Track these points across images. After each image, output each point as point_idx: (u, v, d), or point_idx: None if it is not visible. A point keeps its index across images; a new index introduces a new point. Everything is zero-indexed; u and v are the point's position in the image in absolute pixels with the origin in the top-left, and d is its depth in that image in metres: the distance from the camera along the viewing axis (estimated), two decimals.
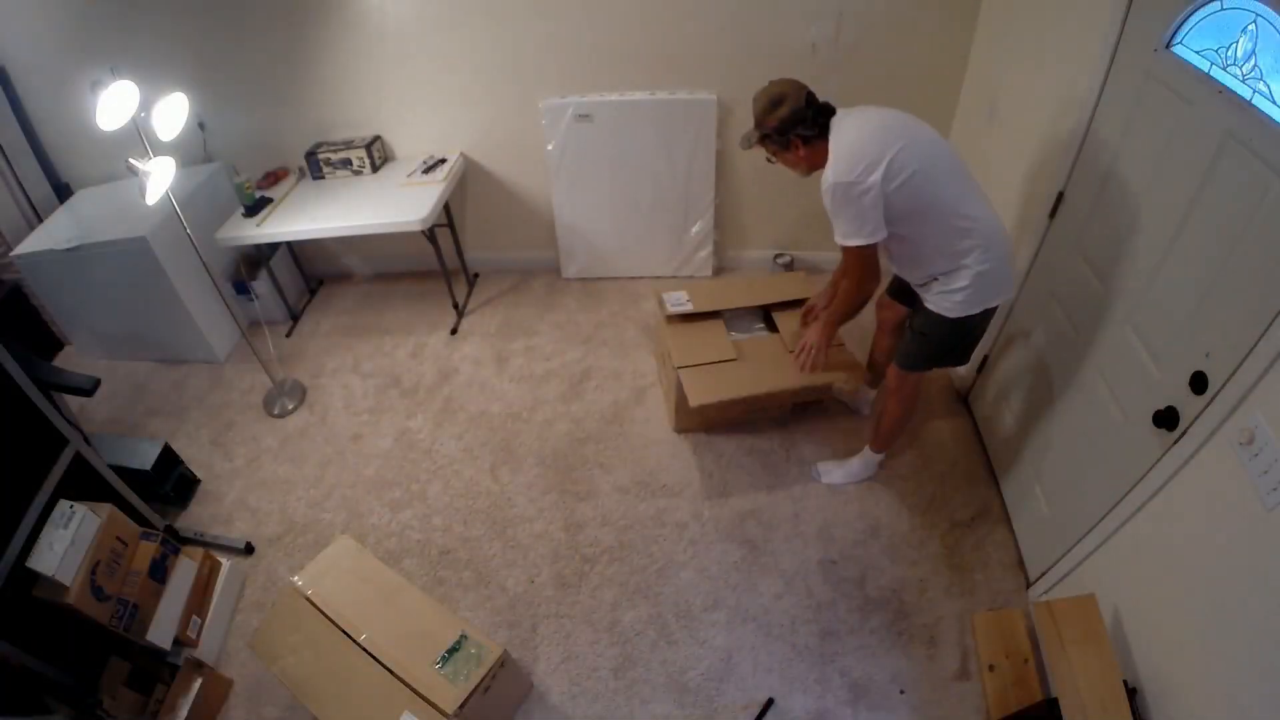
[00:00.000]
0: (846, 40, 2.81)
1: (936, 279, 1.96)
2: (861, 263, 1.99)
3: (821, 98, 1.95)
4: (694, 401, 2.38)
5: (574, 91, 3.08)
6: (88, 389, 2.32)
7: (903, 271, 2.12)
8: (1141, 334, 1.73)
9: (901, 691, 2.03)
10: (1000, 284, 1.95)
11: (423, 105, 3.22)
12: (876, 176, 1.79)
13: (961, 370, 2.85)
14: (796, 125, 1.90)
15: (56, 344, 3.54)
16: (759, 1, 2.78)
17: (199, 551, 2.36)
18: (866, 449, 2.53)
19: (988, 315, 2.00)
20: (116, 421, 3.16)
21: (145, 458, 2.59)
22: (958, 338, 2.07)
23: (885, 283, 2.35)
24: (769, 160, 2.04)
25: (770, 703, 2.03)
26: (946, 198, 1.85)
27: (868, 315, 2.49)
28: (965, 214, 1.85)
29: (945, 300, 1.96)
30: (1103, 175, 1.90)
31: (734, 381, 2.46)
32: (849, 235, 1.89)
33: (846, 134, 1.87)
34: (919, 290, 2.06)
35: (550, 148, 3.23)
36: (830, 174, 1.86)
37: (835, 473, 2.58)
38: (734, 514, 2.51)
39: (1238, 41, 1.46)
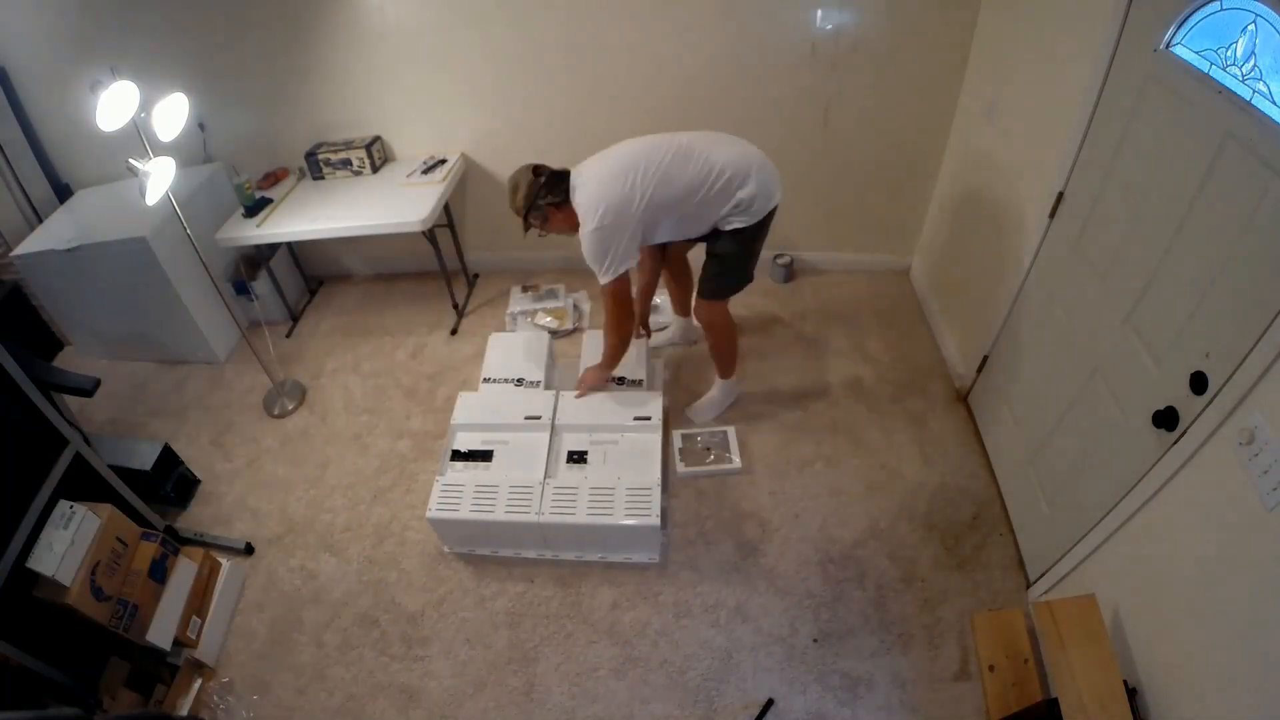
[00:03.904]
0: (846, 40, 2.81)
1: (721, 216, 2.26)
2: (616, 301, 2.32)
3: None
4: None
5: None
6: (88, 389, 2.32)
7: (694, 235, 2.37)
8: (1141, 334, 1.73)
9: (901, 690, 2.03)
10: (769, 192, 2.24)
11: (423, 105, 3.22)
12: (626, 209, 2.14)
13: (960, 369, 2.85)
14: (537, 196, 2.21)
15: (56, 344, 3.52)
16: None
17: (199, 552, 2.36)
18: (717, 379, 2.79)
19: (766, 223, 2.30)
20: (117, 422, 3.16)
21: (145, 458, 2.59)
22: (747, 251, 2.37)
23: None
24: (541, 235, 2.35)
25: (770, 703, 2.03)
26: (692, 179, 2.16)
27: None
28: (716, 174, 2.16)
29: (735, 219, 2.24)
30: (1103, 175, 1.90)
31: None
32: (604, 274, 2.22)
33: (586, 188, 2.19)
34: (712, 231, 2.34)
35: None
36: (583, 226, 2.18)
37: (703, 410, 2.82)
38: (734, 514, 2.51)
39: (1237, 42, 1.46)
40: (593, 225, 2.14)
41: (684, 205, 2.20)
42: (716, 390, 2.81)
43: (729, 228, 2.27)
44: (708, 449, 2.70)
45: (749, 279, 2.46)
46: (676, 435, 2.75)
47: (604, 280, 2.24)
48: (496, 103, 3.17)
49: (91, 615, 1.92)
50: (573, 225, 2.24)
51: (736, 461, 2.65)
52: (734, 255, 2.34)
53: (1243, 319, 1.37)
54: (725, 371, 2.76)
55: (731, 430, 2.75)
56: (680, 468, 2.65)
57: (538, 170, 2.22)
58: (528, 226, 2.30)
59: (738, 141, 2.27)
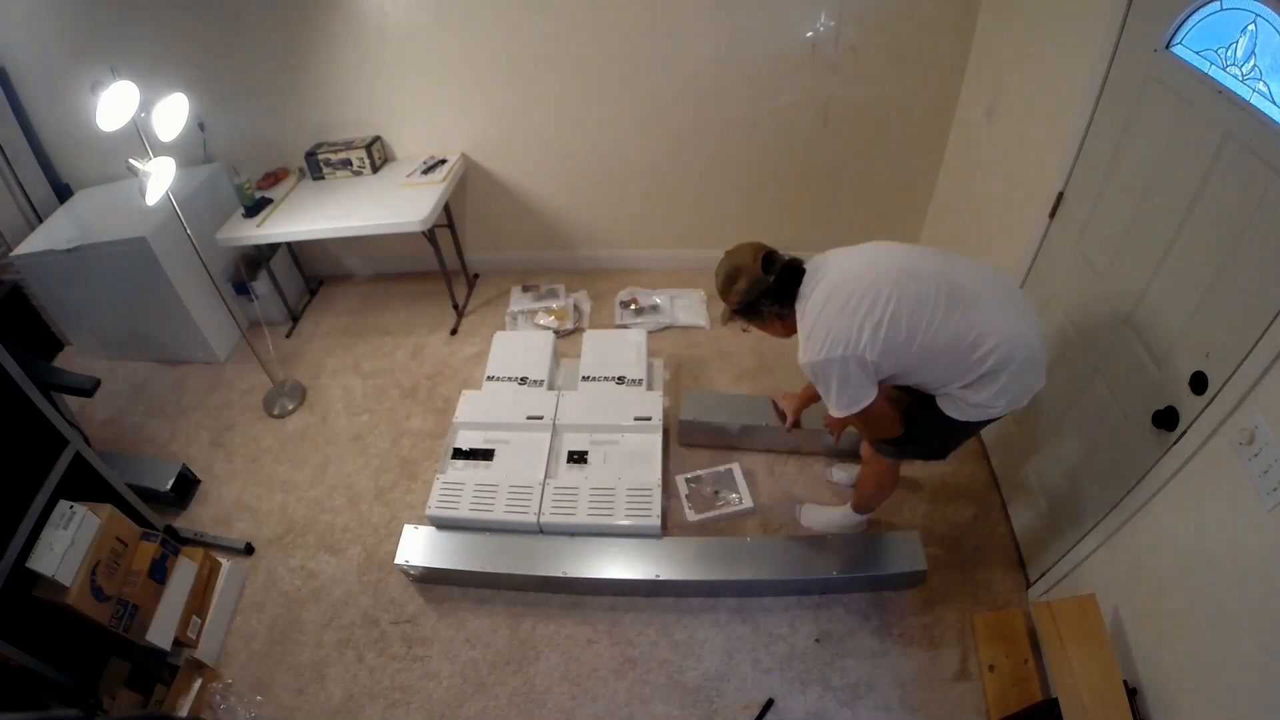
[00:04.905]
0: (846, 40, 2.81)
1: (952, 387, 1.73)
2: (867, 422, 1.79)
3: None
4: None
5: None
6: (88, 389, 2.32)
7: (915, 385, 1.81)
8: (1141, 334, 1.73)
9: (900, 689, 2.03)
10: (1019, 395, 1.68)
11: (423, 105, 3.22)
12: (853, 350, 1.61)
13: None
14: (760, 299, 1.73)
15: (56, 344, 3.54)
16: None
17: (199, 552, 2.36)
18: (848, 506, 2.33)
19: (988, 423, 1.79)
20: (116, 422, 3.16)
21: (163, 479, 2.63)
22: (947, 438, 1.89)
23: None
24: (744, 330, 1.89)
25: (770, 703, 2.03)
26: (947, 337, 1.61)
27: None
28: (974, 343, 1.60)
29: (954, 404, 1.72)
30: (1103, 175, 1.90)
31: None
32: (840, 408, 1.70)
33: (814, 305, 1.68)
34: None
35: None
36: (801, 354, 1.70)
37: (815, 517, 2.41)
38: (734, 514, 2.51)
39: (1237, 42, 1.46)
40: (810, 358, 1.67)
41: (916, 371, 1.70)
42: (839, 515, 2.35)
43: (944, 408, 1.75)
44: (715, 491, 2.55)
45: (940, 457, 2.00)
46: (680, 480, 2.59)
47: (840, 414, 1.72)
48: (496, 103, 3.16)
49: (91, 615, 1.92)
50: (790, 331, 1.79)
51: (747, 502, 2.50)
52: (931, 433, 1.84)
53: (1243, 319, 1.37)
54: (860, 507, 2.29)
55: (736, 467, 2.61)
56: (690, 515, 2.49)
57: (768, 262, 1.71)
58: (731, 320, 1.84)
59: (1013, 297, 1.71)
